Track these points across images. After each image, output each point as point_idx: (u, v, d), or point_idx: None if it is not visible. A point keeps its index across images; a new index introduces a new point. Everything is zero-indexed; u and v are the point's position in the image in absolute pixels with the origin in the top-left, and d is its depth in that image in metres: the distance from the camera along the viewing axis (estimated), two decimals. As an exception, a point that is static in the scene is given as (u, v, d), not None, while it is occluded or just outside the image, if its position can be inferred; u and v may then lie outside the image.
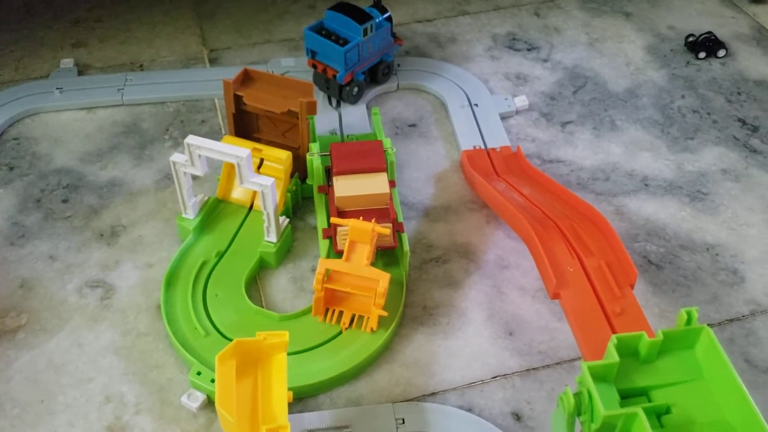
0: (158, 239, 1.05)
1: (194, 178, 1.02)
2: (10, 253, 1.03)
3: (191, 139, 0.93)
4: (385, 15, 1.22)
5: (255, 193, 1.05)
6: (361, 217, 0.91)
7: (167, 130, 1.22)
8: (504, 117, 1.24)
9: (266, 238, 1.00)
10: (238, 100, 1.05)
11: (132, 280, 0.99)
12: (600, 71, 1.35)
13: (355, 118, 1.23)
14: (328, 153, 1.03)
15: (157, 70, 1.33)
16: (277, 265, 1.01)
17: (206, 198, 1.05)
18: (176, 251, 1.01)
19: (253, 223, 1.04)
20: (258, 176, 0.94)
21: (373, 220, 0.90)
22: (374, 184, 0.95)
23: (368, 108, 1.25)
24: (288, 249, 1.03)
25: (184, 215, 1.02)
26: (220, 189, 1.07)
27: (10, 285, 0.99)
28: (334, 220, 0.91)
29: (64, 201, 1.10)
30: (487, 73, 1.34)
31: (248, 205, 1.07)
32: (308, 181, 1.08)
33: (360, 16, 1.18)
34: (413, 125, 1.24)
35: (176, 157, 0.96)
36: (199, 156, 0.94)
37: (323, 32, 1.20)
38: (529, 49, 1.40)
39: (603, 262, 0.83)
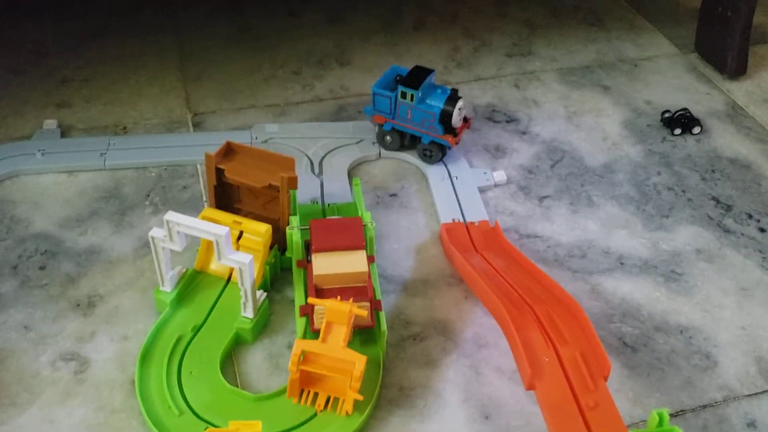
0: (135, 310, 1.04)
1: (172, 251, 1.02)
2: (-17, 322, 1.02)
3: (170, 216, 0.94)
4: (443, 104, 1.23)
5: (234, 264, 1.05)
6: (339, 296, 0.91)
7: (148, 195, 1.22)
8: (482, 190, 1.26)
9: (243, 314, 1.00)
10: (219, 172, 1.06)
11: (107, 353, 0.98)
12: (577, 145, 1.38)
13: (336, 186, 1.24)
14: (307, 227, 1.03)
15: (140, 135, 1.34)
16: (253, 341, 1.01)
17: (184, 270, 1.05)
18: (152, 324, 1.00)
19: (231, 297, 1.04)
20: (236, 253, 0.94)
21: (350, 300, 0.91)
22: (353, 262, 0.96)
23: (350, 176, 1.27)
24: (265, 323, 1.03)
25: (161, 288, 1.02)
26: (198, 261, 1.07)
27: (-18, 356, 0.97)
28: (311, 300, 0.91)
29: (42, 268, 1.10)
30: (467, 143, 1.36)
31: (226, 277, 1.07)
32: (287, 254, 1.08)
33: (413, 83, 1.23)
34: (394, 195, 1.25)
35: (155, 232, 0.96)
36: (178, 232, 0.95)
37: (398, 77, 1.28)
38: (508, 121, 1.43)
39: (578, 352, 0.84)
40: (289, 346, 1.00)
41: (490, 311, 0.96)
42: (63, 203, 1.20)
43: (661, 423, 0.67)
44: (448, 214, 1.19)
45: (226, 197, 1.10)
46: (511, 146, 1.37)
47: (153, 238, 0.96)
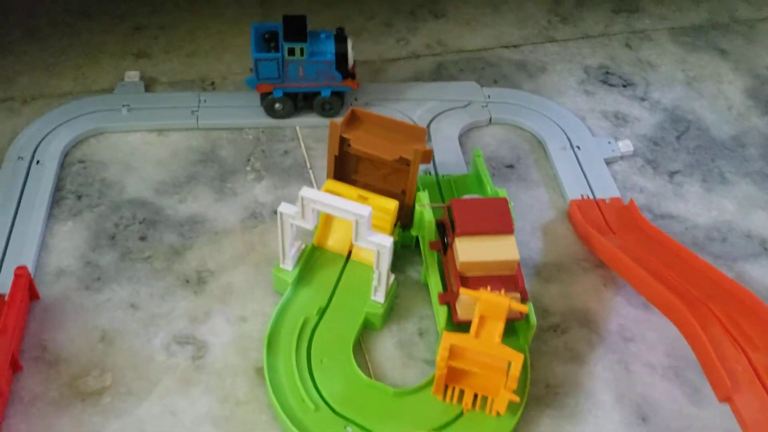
0: (249, 288, 0.96)
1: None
2: (86, 298, 0.93)
3: (306, 192, 0.84)
4: (336, 50, 1.11)
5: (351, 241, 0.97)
6: (488, 287, 0.82)
7: (248, 160, 1.13)
8: (608, 162, 1.16)
9: (373, 297, 0.91)
10: (343, 142, 0.96)
11: (225, 336, 0.90)
12: (702, 115, 1.27)
13: (447, 155, 1.14)
14: (442, 205, 0.94)
15: (231, 92, 1.23)
16: (382, 327, 0.93)
17: (303, 246, 0.96)
18: (271, 304, 0.92)
19: (353, 276, 0.96)
20: (375, 235, 0.85)
21: (502, 291, 0.82)
22: (503, 249, 0.86)
23: (461, 143, 1.17)
24: (392, 308, 0.95)
25: (281, 266, 0.93)
26: (317, 236, 0.98)
27: (90, 337, 0.89)
28: (463, 291, 0.82)
29: (142, 239, 1.01)
30: (583, 110, 1.26)
31: (345, 254, 0.98)
32: (413, 232, 0.99)
33: (298, 35, 1.08)
34: (510, 166, 1.16)
35: (284, 207, 0.87)
36: (312, 210, 0.86)
37: (266, 35, 1.11)
38: (624, 86, 1.32)
39: (772, 358, 0.76)
40: (420, 334, 0.92)
41: (657, 305, 0.87)
42: (156, 165, 1.11)
43: None
44: (576, 189, 1.10)
45: (343, 167, 1.01)
46: (632, 114, 1.26)
47: (282, 213, 0.87)
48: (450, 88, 1.27)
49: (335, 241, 0.98)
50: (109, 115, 1.16)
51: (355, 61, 1.14)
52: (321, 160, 1.13)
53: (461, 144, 1.17)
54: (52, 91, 1.22)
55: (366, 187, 0.99)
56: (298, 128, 1.18)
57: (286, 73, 1.12)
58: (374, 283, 0.90)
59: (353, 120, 0.97)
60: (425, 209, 0.94)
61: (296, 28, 1.09)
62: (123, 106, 1.17)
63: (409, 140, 0.95)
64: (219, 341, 0.90)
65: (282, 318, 0.90)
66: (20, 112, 1.17)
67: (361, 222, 0.83)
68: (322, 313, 0.91)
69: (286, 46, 1.08)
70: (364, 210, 0.83)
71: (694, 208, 1.11)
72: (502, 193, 0.96)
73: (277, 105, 1.15)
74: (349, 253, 0.98)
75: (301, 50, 1.09)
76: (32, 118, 1.15)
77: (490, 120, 1.22)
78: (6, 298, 0.88)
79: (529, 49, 1.38)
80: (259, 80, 1.12)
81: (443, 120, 1.20)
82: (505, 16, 1.45)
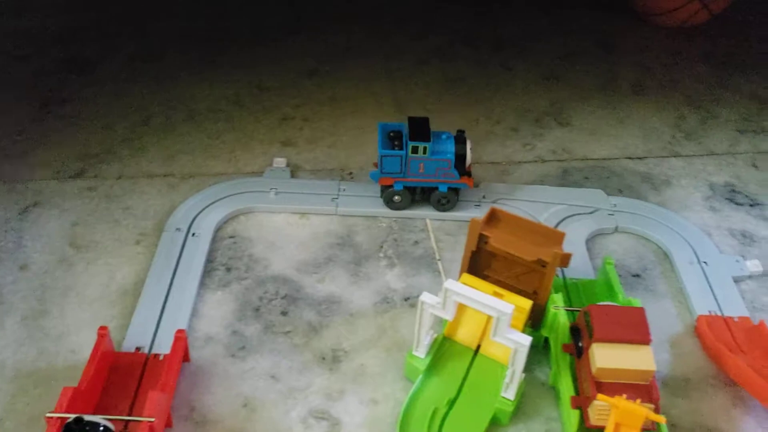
0: (382, 372, 1.00)
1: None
2: (231, 365, 1.00)
3: (450, 284, 0.89)
4: (456, 150, 1.19)
5: (482, 334, 1.00)
6: (624, 395, 0.84)
7: (381, 247, 1.20)
8: (736, 280, 1.16)
9: (503, 394, 0.94)
10: (482, 238, 1.02)
11: (358, 417, 0.95)
12: (835, 240, 1.26)
13: (575, 259, 1.17)
14: (578, 309, 0.97)
15: (368, 182, 1.32)
16: (508, 423, 0.95)
17: (435, 336, 1.01)
18: (401, 389, 0.96)
19: (481, 370, 0.99)
20: (515, 332, 0.89)
21: (638, 401, 0.83)
22: (640, 358, 0.88)
23: (587, 247, 1.20)
24: (519, 406, 0.97)
25: (414, 353, 0.98)
26: (448, 327, 1.02)
27: (234, 403, 0.96)
28: (601, 397, 0.84)
29: (283, 313, 1.08)
30: (709, 225, 1.27)
31: (473, 347, 1.02)
32: (543, 333, 1.02)
33: (423, 135, 1.17)
34: (637, 276, 1.17)
35: (426, 297, 0.92)
36: (453, 302, 0.90)
37: (391, 134, 1.21)
38: (751, 205, 1.33)
39: None
40: (547, 435, 0.94)
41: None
42: (298, 245, 1.19)
43: None
44: (703, 304, 1.10)
45: (476, 263, 1.06)
46: (759, 234, 1.26)
47: (423, 302, 0.92)
48: (576, 193, 1.31)
49: (465, 334, 1.02)
50: (258, 196, 1.27)
51: (471, 162, 1.23)
52: (449, 252, 1.19)
53: (587, 249, 1.20)
54: (208, 170, 1.34)
55: (497, 283, 1.04)
56: (428, 221, 1.25)
57: (408, 169, 1.21)
58: (506, 380, 0.93)
59: (492, 219, 1.03)
60: (560, 311, 0.97)
61: (421, 129, 1.19)
62: (271, 189, 1.28)
63: (547, 243, 1.00)
64: (352, 421, 0.94)
65: (414, 405, 0.94)
66: (179, 188, 1.30)
67: (503, 319, 0.87)
68: (451, 404, 0.95)
69: (410, 145, 1.18)
70: (506, 307, 0.87)
71: (828, 334, 1.09)
72: (636, 302, 0.98)
73: (396, 197, 1.24)
74: (478, 347, 1.02)
75: (424, 149, 1.18)
76: (189, 194, 1.27)
77: (617, 228, 1.25)
78: (163, 358, 0.96)
79: (654, 162, 1.42)
80: (382, 174, 1.21)
81: (570, 224, 1.24)
82: (629, 129, 1.50)
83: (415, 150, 1.18)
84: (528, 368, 1.02)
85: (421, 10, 1.91)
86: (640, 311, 0.92)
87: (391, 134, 1.21)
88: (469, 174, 1.23)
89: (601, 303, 0.96)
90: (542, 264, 0.99)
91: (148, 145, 1.39)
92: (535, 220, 1.23)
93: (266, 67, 1.64)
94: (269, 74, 1.61)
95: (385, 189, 1.24)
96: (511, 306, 0.87)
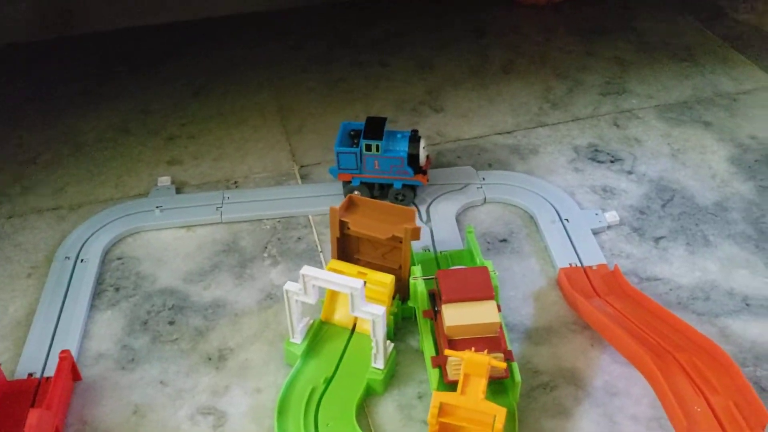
0: (265, 363, 1.06)
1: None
2: (121, 377, 1.05)
3: (306, 270, 0.96)
4: (408, 147, 1.26)
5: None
6: (473, 348, 0.91)
7: (265, 248, 1.26)
8: (595, 232, 1.25)
9: (373, 365, 1.01)
10: (343, 225, 1.08)
11: (242, 407, 1.00)
12: (686, 184, 1.36)
13: (445, 233, 1.25)
14: (431, 277, 1.04)
15: (251, 188, 1.38)
16: (383, 391, 1.02)
17: (311, 321, 1.07)
18: (283, 376, 1.02)
19: (357, 347, 1.05)
20: (369, 305, 0.96)
21: (486, 351, 0.91)
22: (484, 313, 0.96)
23: (458, 221, 1.28)
24: (393, 374, 1.04)
25: (291, 340, 1.04)
26: (324, 312, 1.09)
27: (125, 412, 1.01)
28: (448, 352, 0.91)
29: (171, 323, 1.13)
30: (572, 185, 1.36)
31: (350, 327, 1.09)
32: (410, 304, 1.09)
33: (375, 134, 1.25)
34: (504, 240, 1.26)
35: (289, 285, 0.98)
36: (313, 285, 0.97)
37: (351, 132, 1.29)
38: (612, 161, 1.42)
39: (731, 401, 0.82)
40: (419, 397, 1.01)
41: (629, 359, 0.95)
42: (185, 257, 1.25)
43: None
44: (564, 258, 1.19)
45: (346, 248, 1.13)
46: (619, 187, 1.36)
47: (287, 291, 0.98)
48: (447, 172, 1.39)
49: (341, 316, 1.09)
50: (143, 216, 1.31)
51: (429, 156, 1.31)
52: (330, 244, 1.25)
53: (458, 222, 1.28)
54: (96, 198, 1.38)
55: (368, 265, 1.11)
56: (311, 217, 1.31)
57: (364, 165, 1.28)
58: (373, 351, 0.99)
59: (351, 205, 1.10)
60: (418, 281, 1.04)
61: (375, 128, 1.27)
62: (156, 207, 1.33)
63: (400, 221, 1.07)
64: (237, 411, 1.00)
65: (291, 388, 1.00)
66: (68, 218, 1.34)
67: (356, 294, 0.94)
68: (328, 382, 1.01)
69: (363, 143, 1.25)
70: (357, 283, 0.94)
71: (678, 270, 1.19)
72: (488, 264, 1.06)
73: (356, 192, 1.30)
74: (354, 326, 1.09)
75: (377, 147, 1.25)
76: (78, 223, 1.31)
77: (485, 200, 1.33)
78: (49, 380, 1.00)
79: (522, 134, 1.50)
80: (340, 170, 1.29)
81: (441, 201, 1.32)
82: (499, 106, 1.59)
83: (368, 147, 1.26)
84: (402, 338, 1.09)
85: (299, 21, 1.97)
86: (484, 270, 1.00)
87: (352, 133, 1.30)
88: (424, 172, 1.30)
89: (451, 268, 1.04)
90: (399, 240, 1.06)
91: (36, 183, 1.43)
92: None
93: (151, 91, 1.68)
94: (154, 98, 1.66)
95: (345, 185, 1.31)
96: (361, 281, 0.94)
